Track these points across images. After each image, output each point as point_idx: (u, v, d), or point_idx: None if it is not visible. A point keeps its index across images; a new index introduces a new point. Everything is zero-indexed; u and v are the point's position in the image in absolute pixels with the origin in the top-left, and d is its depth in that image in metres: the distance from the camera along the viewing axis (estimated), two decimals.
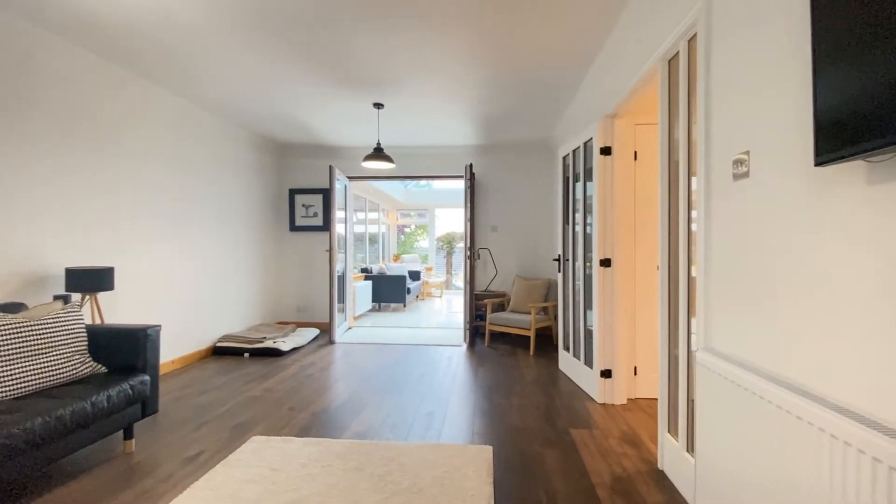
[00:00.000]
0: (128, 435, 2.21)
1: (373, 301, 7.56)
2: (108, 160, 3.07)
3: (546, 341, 4.94)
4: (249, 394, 3.12)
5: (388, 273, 7.93)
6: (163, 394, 3.11)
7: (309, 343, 4.83)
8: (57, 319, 2.04)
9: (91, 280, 2.55)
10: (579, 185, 3.44)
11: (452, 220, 13.41)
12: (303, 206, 5.71)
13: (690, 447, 1.86)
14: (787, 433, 1.09)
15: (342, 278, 5.46)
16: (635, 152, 3.05)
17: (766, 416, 1.17)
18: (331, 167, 4.84)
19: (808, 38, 1.13)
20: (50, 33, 2.64)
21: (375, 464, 2.07)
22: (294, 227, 5.70)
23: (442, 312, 7.51)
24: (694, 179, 1.86)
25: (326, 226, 5.62)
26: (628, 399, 3.04)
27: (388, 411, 2.82)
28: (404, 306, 8.06)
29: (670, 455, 2.02)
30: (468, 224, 4.86)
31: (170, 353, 3.72)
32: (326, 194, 5.65)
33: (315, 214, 5.68)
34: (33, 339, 1.93)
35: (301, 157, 5.72)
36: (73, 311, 2.13)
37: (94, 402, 1.90)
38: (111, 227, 3.11)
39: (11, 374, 1.84)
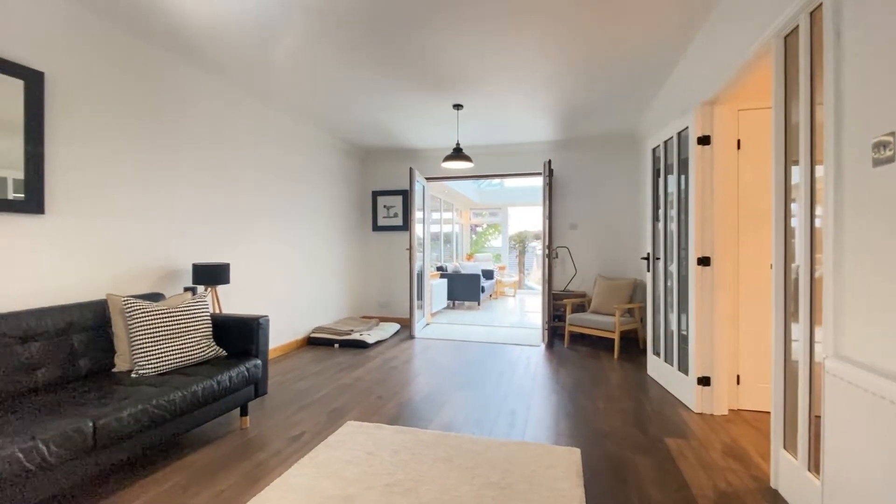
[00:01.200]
0: (243, 412, 2.49)
1: (448, 299, 7.70)
2: (224, 171, 3.47)
3: (631, 344, 4.69)
4: (341, 382, 3.35)
5: (463, 272, 8.02)
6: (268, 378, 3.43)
7: (391, 337, 5.05)
8: (189, 308, 2.35)
9: (212, 274, 2.90)
10: (672, 179, 3.22)
11: (525, 218, 13.22)
12: (384, 206, 5.98)
13: (814, 467, 1.67)
14: None
15: (420, 276, 5.63)
16: (738, 140, 2.79)
17: None
18: (411, 169, 5.01)
19: None
20: (173, 56, 3.04)
21: (463, 456, 2.12)
22: (376, 227, 5.99)
23: (516, 312, 7.44)
24: (818, 168, 1.66)
25: (406, 225, 5.84)
26: (730, 410, 2.79)
27: (471, 407, 2.87)
28: (478, 305, 8.10)
29: (787, 474, 1.83)
30: (546, 221, 4.76)
31: (271, 341, 4.10)
32: (406, 195, 5.86)
33: (395, 215, 5.93)
34: (172, 324, 2.25)
35: (382, 161, 6.00)
36: (201, 301, 2.44)
37: (219, 381, 2.16)
38: (226, 228, 3.50)
39: (157, 354, 2.16)
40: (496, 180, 11.67)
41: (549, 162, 4.74)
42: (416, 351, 4.41)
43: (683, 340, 3.02)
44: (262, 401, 2.92)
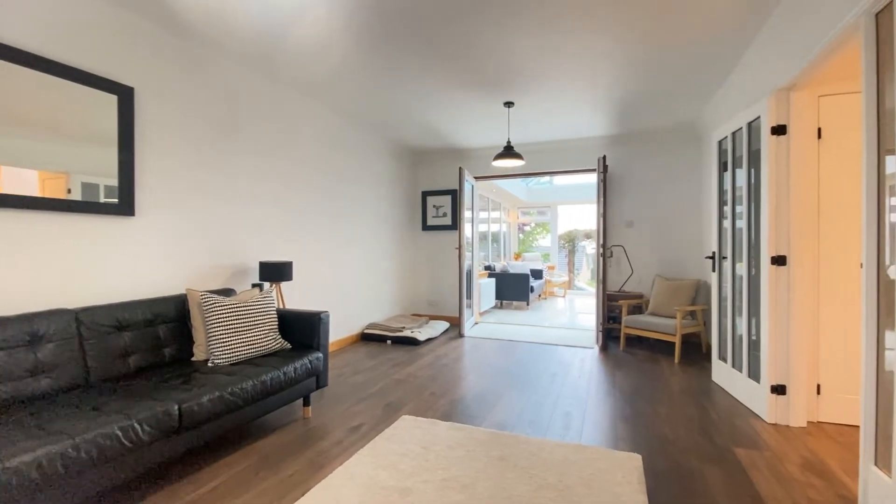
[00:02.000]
0: (306, 402, 2.62)
1: (496, 298, 7.66)
2: (288, 175, 3.67)
3: (692, 348, 4.45)
4: (395, 377, 3.43)
5: (511, 271, 7.95)
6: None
7: (440, 335, 5.11)
8: (258, 303, 2.51)
9: (277, 271, 3.07)
10: (741, 172, 3.02)
11: (574, 217, 12.88)
12: (433, 206, 6.05)
13: None
14: None
15: (469, 275, 5.64)
16: (819, 129, 2.57)
17: None
18: (460, 169, 5.04)
19: None
20: (235, 63, 3.25)
21: (518, 456, 2.11)
22: (425, 227, 6.08)
23: (566, 313, 7.26)
24: None
25: (454, 225, 5.88)
26: (808, 422, 2.58)
27: (524, 407, 2.84)
28: (527, 304, 7.99)
29: (878, 492, 1.66)
30: (601, 220, 4.62)
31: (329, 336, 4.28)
32: (454, 195, 5.90)
33: (444, 214, 5.98)
34: (243, 318, 2.41)
35: (431, 161, 6.08)
36: (268, 297, 2.59)
37: (285, 372, 2.29)
38: (289, 228, 3.70)
39: (231, 345, 2.32)
40: (545, 178, 11.47)
41: (604, 157, 4.59)
42: (465, 349, 4.43)
43: (754, 346, 2.82)
44: (322, 392, 3.05)
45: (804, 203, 2.53)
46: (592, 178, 10.07)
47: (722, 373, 3.24)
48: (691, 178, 4.84)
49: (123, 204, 2.42)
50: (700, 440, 2.35)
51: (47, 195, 2.14)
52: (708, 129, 4.33)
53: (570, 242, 12.60)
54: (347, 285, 4.59)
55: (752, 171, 2.85)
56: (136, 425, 1.63)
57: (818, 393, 2.58)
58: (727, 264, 3.22)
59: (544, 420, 2.63)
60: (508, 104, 3.99)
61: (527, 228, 14.47)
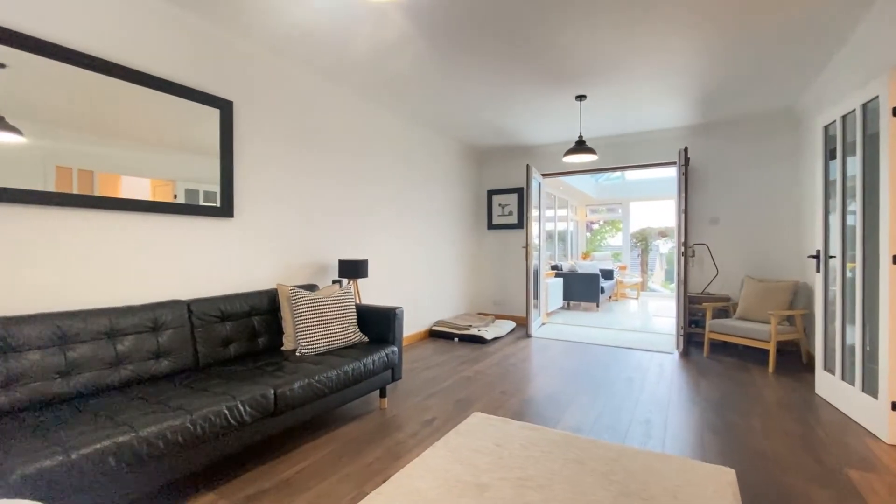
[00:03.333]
0: (382, 394, 2.73)
1: (563, 299, 7.46)
2: (363, 178, 3.85)
3: (790, 358, 4.02)
4: (464, 374, 3.47)
5: (580, 271, 7.69)
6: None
7: (507, 334, 5.07)
8: (340, 297, 2.66)
9: (354, 268, 3.24)
10: (852, 160, 2.68)
11: (647, 214, 12.14)
12: (499, 205, 6.02)
13: None
14: None
15: (536, 275, 5.54)
16: None
17: None
18: (528, 166, 4.97)
19: None
20: (321, 78, 3.45)
21: (596, 461, 2.04)
22: (491, 226, 6.07)
23: (640, 315, 6.88)
24: None
25: (521, 223, 5.81)
26: None
27: (599, 411, 2.75)
28: (597, 306, 7.69)
29: None
30: (681, 216, 4.32)
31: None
32: (521, 193, 5.83)
33: (510, 213, 5.93)
34: (327, 312, 2.57)
35: (497, 160, 6.05)
36: (348, 292, 2.74)
37: (364, 364, 2.41)
38: (363, 229, 3.88)
39: (316, 336, 2.49)
40: (616, 174, 10.96)
41: (685, 150, 4.29)
42: (533, 349, 4.36)
43: (869, 356, 2.50)
44: (396, 385, 3.17)
45: None
46: (669, 173, 9.46)
47: (828, 385, 2.90)
48: (787, 169, 4.38)
49: (224, 206, 2.69)
50: (804, 458, 2.13)
51: (158, 200, 2.41)
52: (810, 113, 3.89)
53: (643, 241, 11.90)
54: (415, 283, 4.71)
55: (868, 158, 2.52)
56: (240, 406, 1.80)
57: None
58: (835, 264, 2.87)
59: (622, 426, 2.52)
60: (580, 97, 3.86)
61: (594, 227, 13.91)
